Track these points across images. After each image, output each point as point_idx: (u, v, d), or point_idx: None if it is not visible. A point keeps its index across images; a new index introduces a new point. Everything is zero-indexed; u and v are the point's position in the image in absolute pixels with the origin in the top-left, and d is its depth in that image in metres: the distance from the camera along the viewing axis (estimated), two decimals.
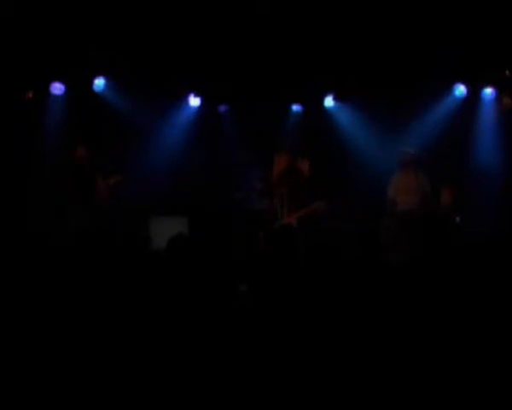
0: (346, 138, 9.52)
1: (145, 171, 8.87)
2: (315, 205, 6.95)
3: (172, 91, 9.20)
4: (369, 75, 8.76)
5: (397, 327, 3.62)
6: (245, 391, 3.33)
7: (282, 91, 9.12)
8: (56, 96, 8.61)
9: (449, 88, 9.12)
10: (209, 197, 9.38)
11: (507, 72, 8.62)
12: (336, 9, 7.98)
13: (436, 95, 9.14)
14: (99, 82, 8.76)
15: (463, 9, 7.80)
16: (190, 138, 9.48)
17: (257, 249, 6.98)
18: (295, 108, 9.78)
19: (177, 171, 9.24)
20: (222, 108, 9.78)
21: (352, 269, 4.27)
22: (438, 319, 3.64)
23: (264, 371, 3.39)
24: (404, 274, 4.20)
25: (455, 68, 8.61)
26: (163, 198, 9.01)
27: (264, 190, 7.35)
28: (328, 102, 9.61)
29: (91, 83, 8.72)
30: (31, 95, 8.47)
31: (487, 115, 9.08)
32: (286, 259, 4.73)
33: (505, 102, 8.82)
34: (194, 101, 9.49)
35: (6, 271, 4.35)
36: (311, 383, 3.33)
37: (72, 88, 8.61)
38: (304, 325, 3.62)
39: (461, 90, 9.08)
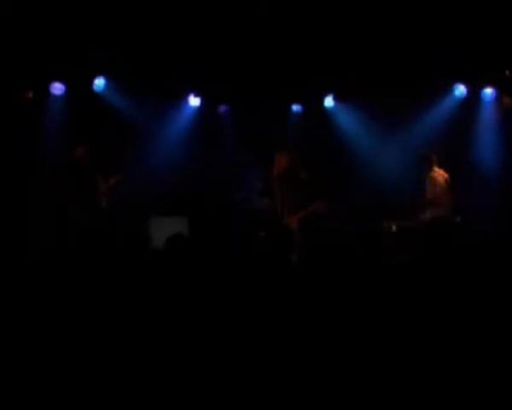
0: (346, 138, 9.52)
1: (145, 171, 8.87)
2: (315, 205, 6.94)
3: (172, 91, 9.20)
4: (369, 75, 8.76)
5: (397, 327, 3.62)
6: (245, 391, 3.33)
7: (282, 91, 9.12)
8: (56, 96, 8.61)
9: (449, 88, 9.11)
10: (209, 197, 9.39)
11: (507, 72, 8.61)
12: (336, 10, 7.97)
13: (436, 95, 9.13)
14: (99, 82, 8.76)
15: (463, 9, 7.79)
16: (190, 138, 9.48)
17: (257, 249, 6.98)
18: (295, 108, 9.79)
19: (177, 171, 9.24)
20: (222, 108, 9.79)
21: (352, 269, 4.27)
22: (438, 320, 3.64)
23: (264, 372, 3.39)
24: (404, 274, 4.20)
25: (455, 68, 8.60)
26: (163, 198, 9.02)
27: (264, 190, 7.35)
28: (328, 102, 9.61)
29: (91, 83, 8.72)
30: (31, 95, 8.46)
31: (487, 115, 9.07)
32: (285, 259, 4.73)
33: (505, 102, 8.81)
34: (194, 101, 9.49)
35: (6, 271, 4.35)
36: (311, 382, 3.33)
37: (72, 88, 8.61)
38: (304, 326, 3.62)
39: (461, 90, 9.06)
